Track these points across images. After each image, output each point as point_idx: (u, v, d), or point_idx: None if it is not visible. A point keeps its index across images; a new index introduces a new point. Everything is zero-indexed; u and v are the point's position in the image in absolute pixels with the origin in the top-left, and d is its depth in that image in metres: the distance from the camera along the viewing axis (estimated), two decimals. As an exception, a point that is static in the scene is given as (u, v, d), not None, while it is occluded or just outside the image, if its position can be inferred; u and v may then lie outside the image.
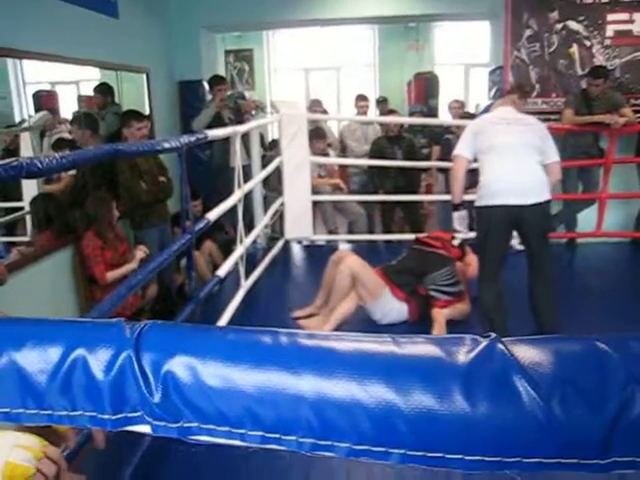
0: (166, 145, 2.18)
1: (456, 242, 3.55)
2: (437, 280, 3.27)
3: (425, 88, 7.40)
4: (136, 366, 0.38)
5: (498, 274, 2.99)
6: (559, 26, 5.25)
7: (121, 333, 0.41)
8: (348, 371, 0.40)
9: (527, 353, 0.40)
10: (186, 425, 0.42)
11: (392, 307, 3.22)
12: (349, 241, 5.28)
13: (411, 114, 5.93)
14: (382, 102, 6.68)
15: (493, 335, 0.39)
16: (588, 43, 5.26)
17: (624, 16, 5.16)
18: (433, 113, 7.11)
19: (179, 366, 0.38)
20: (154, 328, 0.41)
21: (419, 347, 0.42)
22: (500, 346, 0.41)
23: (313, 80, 9.62)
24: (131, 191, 3.91)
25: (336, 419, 0.41)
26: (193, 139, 2.47)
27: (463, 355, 0.41)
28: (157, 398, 0.39)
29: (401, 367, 0.40)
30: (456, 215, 3.47)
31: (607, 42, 5.23)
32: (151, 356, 0.39)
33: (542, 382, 0.39)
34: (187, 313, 2.67)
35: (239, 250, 3.39)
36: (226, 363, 0.39)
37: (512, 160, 2.96)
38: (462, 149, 3.10)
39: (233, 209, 3.36)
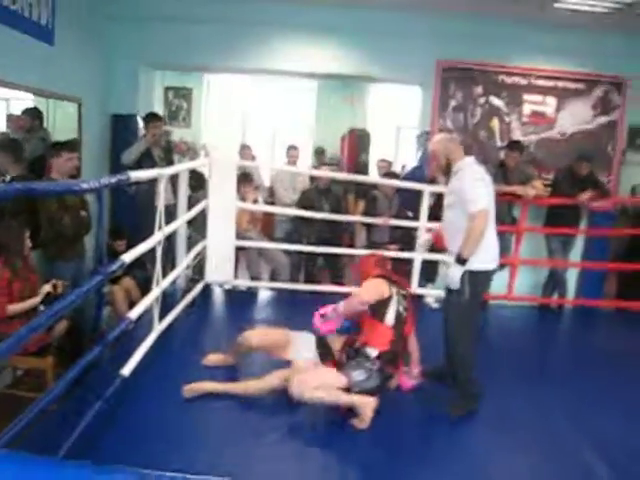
0: (84, 186, 2.17)
1: None
2: None
3: (357, 143, 7.66)
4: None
5: None
6: (482, 100, 5.63)
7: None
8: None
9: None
10: None
11: None
12: (271, 289, 5.30)
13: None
14: (320, 153, 6.84)
15: None
16: (507, 119, 5.66)
17: (539, 98, 5.63)
18: (363, 169, 7.35)
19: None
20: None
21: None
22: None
23: (250, 124, 9.75)
24: (55, 224, 3.82)
25: None
26: (114, 181, 2.47)
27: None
28: None
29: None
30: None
31: (524, 119, 5.65)
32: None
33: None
34: (94, 355, 2.62)
35: (154, 292, 3.35)
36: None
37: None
38: (485, 202, 2.92)
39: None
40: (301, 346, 3.13)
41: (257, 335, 3.22)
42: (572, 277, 5.75)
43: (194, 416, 2.84)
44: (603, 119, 5.69)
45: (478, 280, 3.01)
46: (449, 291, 3.08)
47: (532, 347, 4.52)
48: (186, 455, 2.44)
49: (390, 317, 2.94)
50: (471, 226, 2.91)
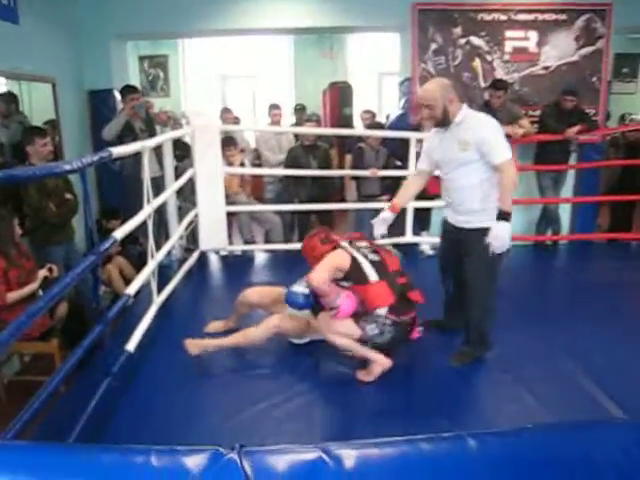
0: (66, 167, 2.13)
1: None
2: None
3: (339, 97, 7.55)
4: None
5: None
6: (462, 41, 5.52)
7: None
8: None
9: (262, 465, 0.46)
10: None
11: None
12: (266, 251, 5.31)
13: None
14: (300, 110, 6.75)
15: (237, 446, 0.44)
16: (489, 58, 5.56)
17: (520, 34, 5.51)
18: (348, 122, 7.26)
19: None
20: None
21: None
22: (237, 462, 0.47)
23: (229, 87, 9.59)
24: (39, 212, 3.80)
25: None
26: (96, 158, 2.43)
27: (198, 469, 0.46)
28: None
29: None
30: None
31: (506, 57, 5.56)
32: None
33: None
34: (97, 334, 2.63)
35: (150, 265, 3.35)
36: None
37: None
38: (510, 150, 2.83)
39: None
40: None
41: (256, 293, 3.27)
42: (565, 213, 5.77)
43: (203, 384, 2.88)
44: (587, 50, 5.58)
45: None
46: (467, 251, 2.93)
47: (529, 285, 4.56)
48: (200, 424, 2.48)
49: (371, 272, 2.83)
50: (504, 178, 2.78)
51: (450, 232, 3.14)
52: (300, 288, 2.91)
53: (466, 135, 2.83)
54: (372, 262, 2.87)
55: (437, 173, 3.19)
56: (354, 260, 2.85)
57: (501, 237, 2.78)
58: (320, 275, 2.75)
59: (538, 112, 5.46)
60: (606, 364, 3.00)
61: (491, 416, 2.59)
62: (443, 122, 2.91)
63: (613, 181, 6.11)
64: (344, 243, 2.99)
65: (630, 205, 5.98)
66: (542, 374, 2.91)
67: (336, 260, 2.83)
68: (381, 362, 2.83)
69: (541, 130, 5.26)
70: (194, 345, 3.00)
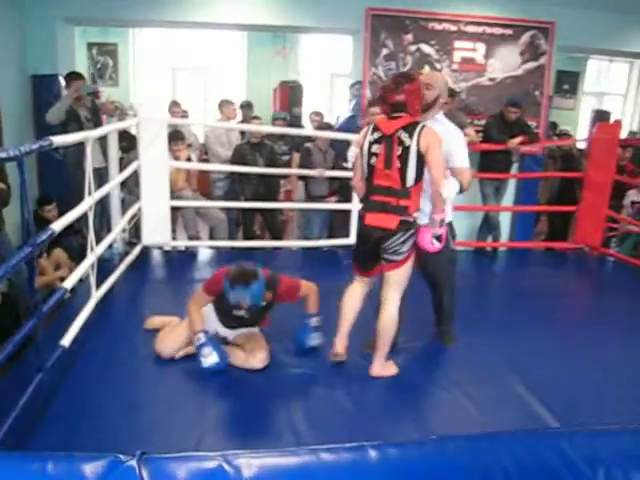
0: (2, 155, 2.07)
1: None
2: None
3: (289, 96, 7.56)
4: None
5: None
6: (413, 48, 5.63)
7: None
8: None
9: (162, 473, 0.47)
10: None
11: None
12: (210, 247, 5.27)
13: (274, 120, 6.02)
14: (246, 107, 6.67)
15: (138, 453, 0.45)
16: (439, 66, 5.69)
17: (469, 45, 5.67)
18: (296, 122, 7.27)
19: None
20: None
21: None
22: (135, 470, 0.48)
23: (180, 80, 9.43)
24: None
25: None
26: (35, 147, 2.36)
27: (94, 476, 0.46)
28: None
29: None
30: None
31: (455, 67, 5.71)
32: None
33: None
34: (29, 328, 2.55)
35: (89, 259, 3.27)
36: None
37: None
38: (468, 163, 3.02)
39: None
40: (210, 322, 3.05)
41: (170, 347, 3.00)
42: (505, 221, 5.95)
43: (139, 380, 2.84)
44: (531, 64, 5.80)
45: (452, 230, 3.16)
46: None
47: (467, 291, 4.60)
48: (134, 421, 2.44)
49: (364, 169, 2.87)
50: (465, 178, 2.93)
51: None
52: (209, 360, 2.79)
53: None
54: (369, 164, 2.83)
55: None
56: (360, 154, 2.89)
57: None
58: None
59: (483, 121, 5.62)
60: (539, 369, 3.08)
61: (428, 420, 2.64)
62: (425, 109, 2.93)
63: (554, 191, 6.35)
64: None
65: (567, 215, 6.22)
66: (477, 379, 2.97)
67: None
68: (390, 367, 2.96)
69: (485, 139, 5.42)
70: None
